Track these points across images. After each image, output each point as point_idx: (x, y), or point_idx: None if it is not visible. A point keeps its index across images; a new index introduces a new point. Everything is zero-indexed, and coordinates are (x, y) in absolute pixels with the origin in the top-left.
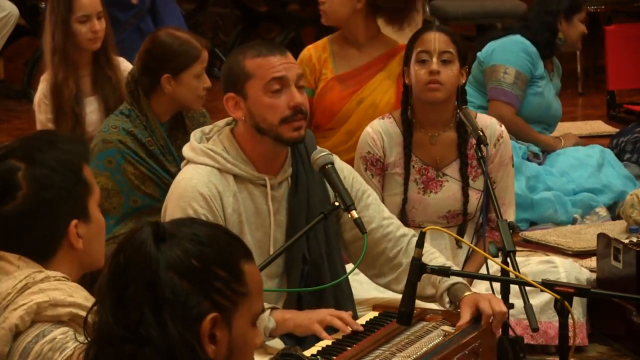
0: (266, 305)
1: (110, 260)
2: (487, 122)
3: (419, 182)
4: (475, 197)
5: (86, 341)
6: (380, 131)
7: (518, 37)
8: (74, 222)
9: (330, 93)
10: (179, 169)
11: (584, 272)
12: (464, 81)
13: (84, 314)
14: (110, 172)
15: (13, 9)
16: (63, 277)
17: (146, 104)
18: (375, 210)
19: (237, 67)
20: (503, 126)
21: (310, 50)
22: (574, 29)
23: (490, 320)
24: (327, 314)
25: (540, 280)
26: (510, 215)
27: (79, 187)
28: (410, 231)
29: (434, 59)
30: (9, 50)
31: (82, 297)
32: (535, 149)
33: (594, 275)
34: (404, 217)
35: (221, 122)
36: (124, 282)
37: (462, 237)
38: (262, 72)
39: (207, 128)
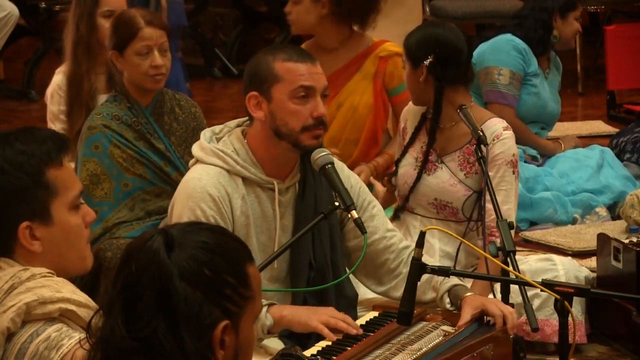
0: (263, 301)
1: (120, 269)
2: (493, 124)
3: (418, 160)
4: (462, 193)
5: (82, 337)
6: (412, 106)
7: (508, 36)
8: (25, 224)
9: None
10: (167, 147)
11: (583, 270)
12: (422, 78)
13: (73, 307)
14: (98, 157)
15: (13, 9)
16: (48, 272)
17: (123, 86)
18: (380, 221)
19: (265, 67)
20: (509, 131)
21: None
22: (569, 26)
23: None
24: (329, 316)
25: (539, 279)
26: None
27: (36, 190)
28: (412, 244)
29: None
30: (9, 50)
31: (69, 292)
32: (533, 152)
33: (593, 274)
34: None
35: (232, 123)
36: (136, 292)
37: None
38: (291, 77)
39: (217, 128)
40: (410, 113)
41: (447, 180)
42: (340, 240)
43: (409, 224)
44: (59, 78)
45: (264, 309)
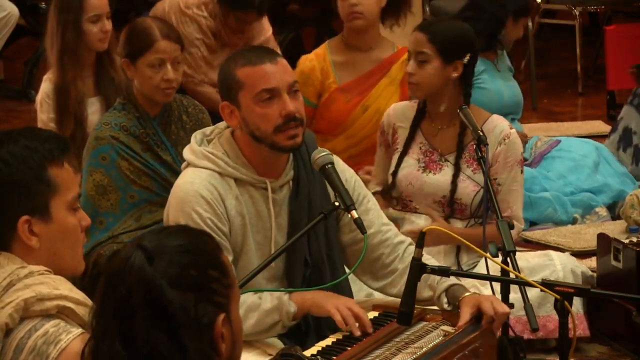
0: (283, 290)
1: (107, 293)
2: (498, 122)
3: (421, 161)
4: (471, 189)
5: (80, 332)
6: (398, 110)
7: None
8: (24, 218)
9: (335, 104)
10: (174, 159)
11: (580, 265)
12: (456, 75)
13: (71, 305)
14: (105, 169)
15: (13, 9)
16: (46, 270)
17: (132, 94)
18: (374, 215)
19: (229, 76)
20: (514, 129)
21: (312, 62)
22: (516, 31)
23: (492, 321)
24: (345, 306)
25: (538, 276)
26: (519, 221)
27: (37, 185)
28: (407, 239)
29: (411, 61)
30: (9, 50)
31: (67, 289)
32: None
33: (589, 272)
34: (397, 187)
35: (222, 124)
36: (130, 312)
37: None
38: (252, 81)
39: (208, 130)
40: (397, 117)
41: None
42: (335, 235)
43: (413, 223)
44: (46, 85)
45: (286, 296)
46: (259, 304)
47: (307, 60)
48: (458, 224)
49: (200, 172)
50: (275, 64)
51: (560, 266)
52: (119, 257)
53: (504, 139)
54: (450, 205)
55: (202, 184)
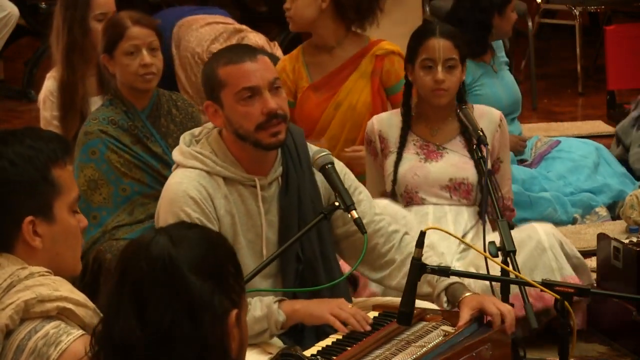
0: (273, 298)
1: (126, 269)
2: (484, 110)
3: (420, 154)
4: (476, 169)
5: (80, 333)
6: (382, 120)
7: None
8: (29, 218)
9: (307, 103)
10: (164, 150)
11: (566, 240)
12: (463, 78)
13: (71, 306)
14: (95, 163)
15: (13, 9)
16: (46, 271)
17: (117, 89)
18: (366, 206)
19: (211, 75)
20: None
21: (284, 62)
22: (507, 20)
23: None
24: (340, 308)
25: (525, 249)
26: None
27: (42, 185)
28: (401, 228)
29: (439, 67)
30: (9, 50)
31: (67, 290)
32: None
33: (575, 251)
34: (398, 187)
35: (210, 124)
36: (148, 288)
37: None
38: (233, 80)
39: (196, 130)
40: (383, 126)
41: (458, 159)
42: (328, 229)
43: (422, 214)
44: (50, 83)
45: (275, 305)
46: (249, 310)
47: (281, 61)
48: (464, 212)
49: (189, 172)
50: (256, 61)
51: (545, 236)
52: (139, 240)
53: (501, 121)
54: (481, 191)
55: (191, 183)
